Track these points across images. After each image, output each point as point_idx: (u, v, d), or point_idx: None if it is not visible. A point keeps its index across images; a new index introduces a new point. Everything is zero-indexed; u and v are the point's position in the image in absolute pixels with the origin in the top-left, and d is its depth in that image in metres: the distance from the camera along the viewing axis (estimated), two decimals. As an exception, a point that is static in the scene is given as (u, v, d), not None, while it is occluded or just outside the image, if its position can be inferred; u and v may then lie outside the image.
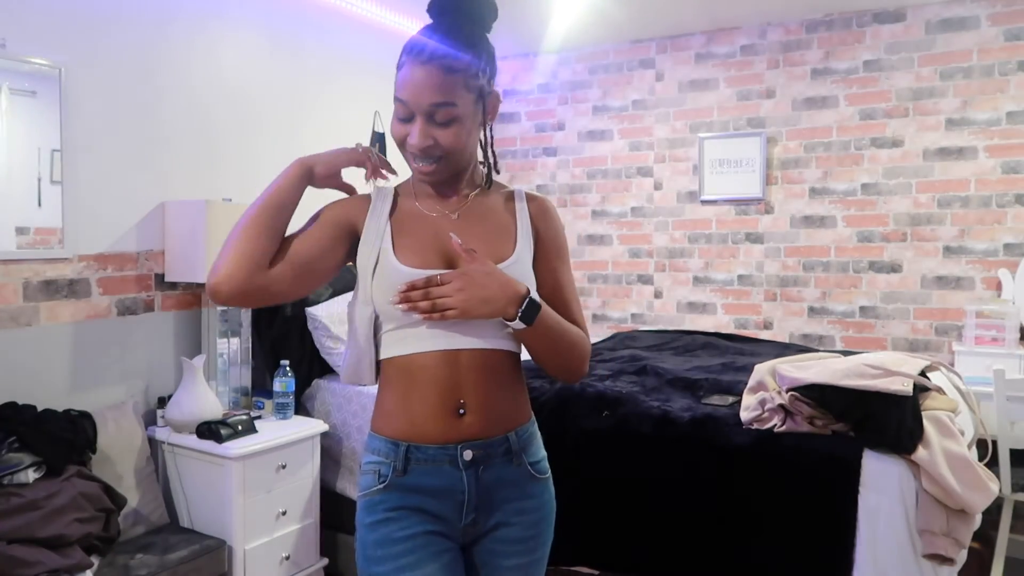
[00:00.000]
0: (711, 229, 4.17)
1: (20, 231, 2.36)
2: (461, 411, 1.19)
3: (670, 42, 4.24)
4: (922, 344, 3.72)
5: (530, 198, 1.35)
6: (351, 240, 1.25)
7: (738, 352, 3.35)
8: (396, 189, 1.32)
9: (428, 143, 1.18)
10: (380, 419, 1.23)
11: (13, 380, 2.32)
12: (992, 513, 2.54)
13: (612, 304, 4.45)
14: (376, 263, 1.20)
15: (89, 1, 2.52)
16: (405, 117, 1.19)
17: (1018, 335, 3.32)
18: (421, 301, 1.14)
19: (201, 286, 2.81)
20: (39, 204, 2.39)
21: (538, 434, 1.32)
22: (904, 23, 3.70)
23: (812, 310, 3.95)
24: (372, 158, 1.26)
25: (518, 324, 1.16)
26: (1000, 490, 2.16)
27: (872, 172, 3.79)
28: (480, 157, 1.33)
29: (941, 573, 2.00)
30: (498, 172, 1.35)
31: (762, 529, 2.17)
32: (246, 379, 2.89)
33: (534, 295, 1.18)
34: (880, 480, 2.05)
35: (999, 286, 3.51)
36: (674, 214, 4.26)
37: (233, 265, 1.14)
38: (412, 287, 1.15)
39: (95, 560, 2.08)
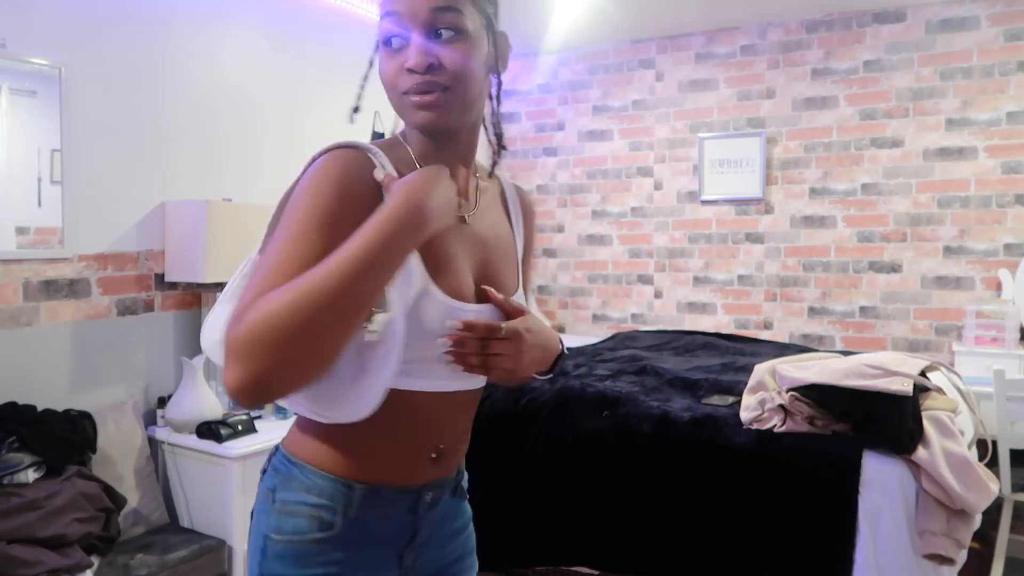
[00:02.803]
0: (711, 229, 4.17)
1: (20, 231, 2.36)
2: (434, 455, 1.01)
3: (670, 42, 4.24)
4: (922, 344, 3.72)
5: (521, 196, 1.15)
6: None
7: (738, 352, 3.35)
8: (383, 152, 0.97)
9: (431, 60, 0.90)
10: (325, 453, 0.96)
11: (13, 380, 2.32)
12: (992, 513, 2.54)
13: (612, 304, 4.45)
14: (410, 283, 0.90)
15: (90, 1, 2.52)
16: (394, 42, 0.92)
17: (1018, 335, 3.32)
18: (472, 353, 0.92)
19: (201, 286, 2.81)
20: (39, 204, 2.39)
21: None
22: (904, 23, 3.70)
23: (812, 310, 3.95)
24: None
25: (545, 377, 1.04)
26: (1000, 490, 2.16)
27: (872, 172, 3.79)
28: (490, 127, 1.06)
29: (941, 573, 2.00)
30: (505, 149, 1.07)
31: (762, 529, 2.17)
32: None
33: (563, 347, 1.06)
34: (880, 480, 2.05)
35: (999, 286, 3.51)
36: (674, 214, 4.26)
37: (298, 374, 0.78)
38: (470, 327, 0.91)
39: (95, 560, 2.08)
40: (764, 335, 4.03)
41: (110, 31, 2.58)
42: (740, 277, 4.11)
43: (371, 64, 0.98)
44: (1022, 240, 3.51)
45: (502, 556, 2.53)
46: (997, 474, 2.53)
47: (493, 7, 0.99)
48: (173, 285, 2.79)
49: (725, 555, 2.22)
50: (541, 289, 4.65)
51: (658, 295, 4.32)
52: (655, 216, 4.31)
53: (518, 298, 1.04)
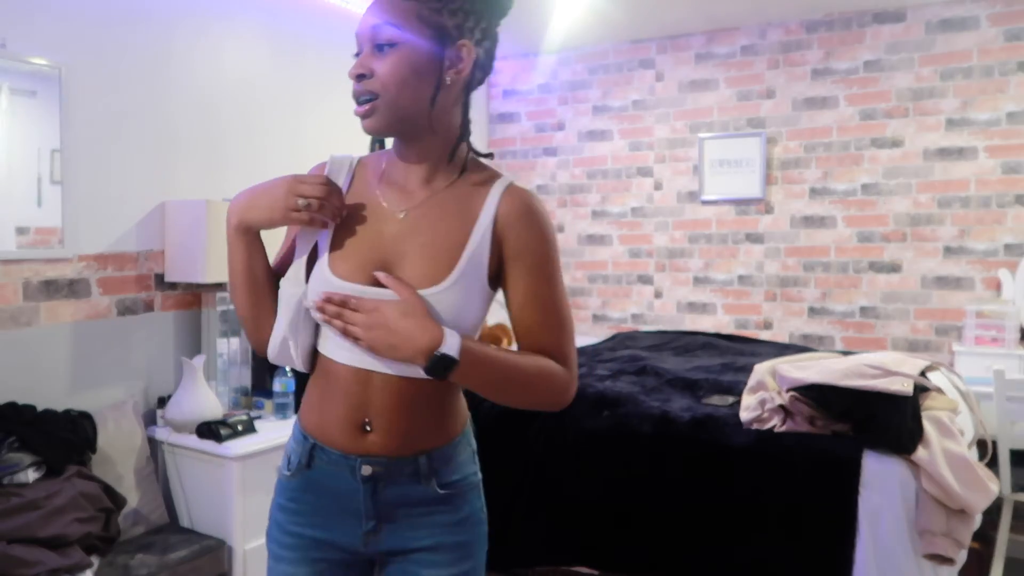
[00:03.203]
0: (711, 229, 4.17)
1: (20, 231, 2.36)
2: (367, 427, 1.10)
3: (670, 42, 4.24)
4: (922, 344, 3.72)
5: (507, 196, 1.11)
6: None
7: (738, 352, 3.35)
8: (361, 160, 1.18)
9: (360, 70, 1.05)
10: (303, 408, 1.18)
11: (13, 380, 2.32)
12: (992, 513, 2.54)
13: (612, 304, 4.45)
14: (311, 256, 1.12)
15: (90, 1, 2.52)
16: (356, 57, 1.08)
17: (1018, 335, 3.32)
18: (335, 317, 1.05)
19: (201, 286, 2.82)
20: (39, 204, 2.39)
21: (463, 452, 1.17)
22: (904, 23, 3.70)
23: (812, 310, 3.95)
24: (314, 206, 1.06)
25: (427, 374, 1.03)
26: (1000, 490, 2.16)
27: (872, 172, 3.79)
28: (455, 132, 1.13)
29: (941, 573, 2.00)
30: (477, 154, 1.16)
31: (762, 529, 2.17)
32: (246, 379, 2.89)
33: (451, 350, 1.01)
34: (880, 480, 2.06)
35: (999, 286, 3.51)
36: (674, 214, 4.26)
37: (255, 340, 1.18)
38: (329, 300, 1.06)
39: (95, 560, 2.08)
40: (764, 335, 4.03)
41: (110, 31, 2.58)
42: (740, 277, 4.11)
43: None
44: (1022, 240, 3.51)
45: (502, 556, 2.53)
46: (997, 474, 2.53)
47: (459, 19, 1.06)
48: (173, 285, 2.79)
49: (725, 555, 2.22)
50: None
51: (658, 295, 4.32)
52: (655, 216, 4.31)
53: (432, 292, 1.06)
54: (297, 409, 1.43)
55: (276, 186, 1.08)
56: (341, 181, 1.15)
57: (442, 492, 1.13)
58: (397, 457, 1.11)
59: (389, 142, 1.17)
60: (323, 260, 1.10)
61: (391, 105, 1.06)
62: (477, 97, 4.95)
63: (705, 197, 4.16)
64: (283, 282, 1.14)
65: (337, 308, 1.05)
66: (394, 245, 1.09)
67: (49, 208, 2.42)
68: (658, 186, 4.30)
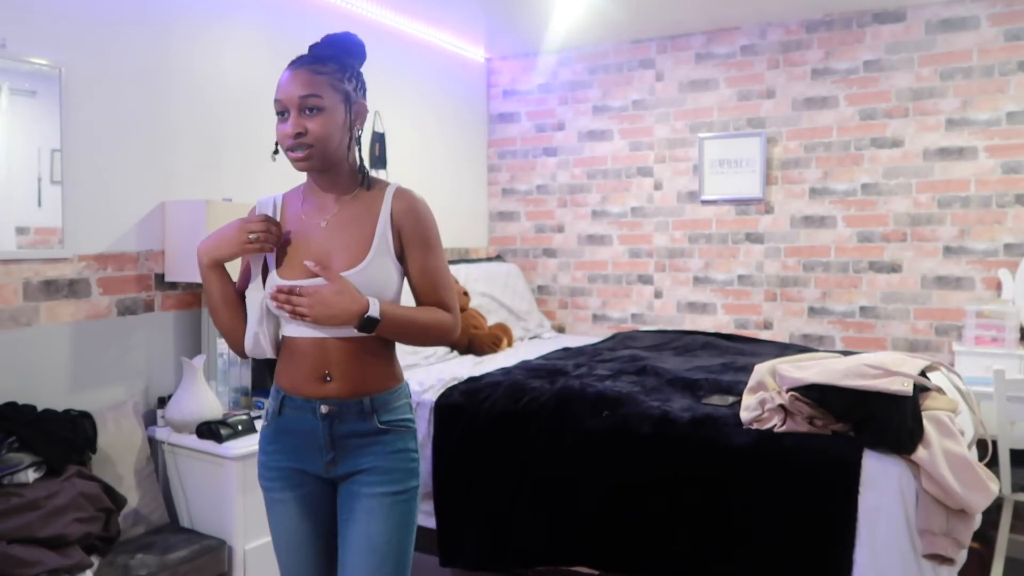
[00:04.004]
0: (711, 229, 4.17)
1: (20, 231, 2.36)
2: (328, 378, 1.50)
3: (670, 42, 4.24)
4: (922, 344, 3.72)
5: (397, 197, 1.54)
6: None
7: (738, 352, 3.35)
8: (284, 197, 1.61)
9: (299, 130, 1.45)
10: (276, 372, 1.58)
11: (13, 380, 2.32)
12: (992, 513, 2.54)
13: (612, 304, 4.45)
14: (263, 269, 1.55)
15: (90, 1, 2.52)
16: (283, 116, 1.47)
17: (1018, 335, 3.32)
18: (285, 304, 1.45)
19: (201, 286, 2.81)
20: (39, 204, 2.39)
21: (399, 401, 1.56)
22: (904, 23, 3.70)
23: (812, 310, 3.95)
24: (261, 239, 1.49)
25: (358, 333, 1.47)
26: (1000, 490, 2.16)
27: (872, 172, 3.79)
28: (356, 161, 1.57)
29: (941, 573, 2.00)
30: (364, 176, 1.57)
31: (762, 529, 2.17)
32: (246, 379, 2.89)
33: (373, 311, 1.44)
34: (880, 480, 2.06)
35: (999, 286, 3.51)
36: (674, 214, 4.26)
37: (235, 345, 1.59)
38: (279, 290, 1.47)
39: (95, 560, 2.08)
40: (764, 335, 4.03)
41: (110, 31, 2.58)
42: (740, 277, 4.11)
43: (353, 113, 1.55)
44: (1022, 240, 3.51)
45: (502, 556, 2.54)
46: (997, 474, 2.53)
47: (353, 84, 1.52)
48: (173, 285, 2.79)
49: (725, 555, 2.22)
50: (541, 289, 4.65)
51: (658, 295, 4.32)
52: (655, 216, 4.31)
53: (354, 271, 1.47)
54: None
55: (230, 228, 1.50)
56: (271, 214, 1.57)
57: (381, 427, 1.52)
58: (347, 399, 1.50)
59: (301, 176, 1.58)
60: (272, 270, 1.53)
61: (321, 153, 1.47)
62: (477, 97, 4.95)
63: (705, 197, 4.16)
64: (248, 292, 1.57)
65: (286, 296, 1.45)
66: (320, 246, 1.51)
67: (49, 208, 2.42)
68: (658, 186, 4.30)
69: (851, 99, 3.83)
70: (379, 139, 3.71)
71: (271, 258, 1.54)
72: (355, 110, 1.52)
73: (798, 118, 3.94)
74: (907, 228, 3.74)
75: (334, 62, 1.49)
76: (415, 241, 1.53)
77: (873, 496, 2.05)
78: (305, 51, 1.56)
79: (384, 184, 1.57)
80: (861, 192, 3.82)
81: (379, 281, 1.49)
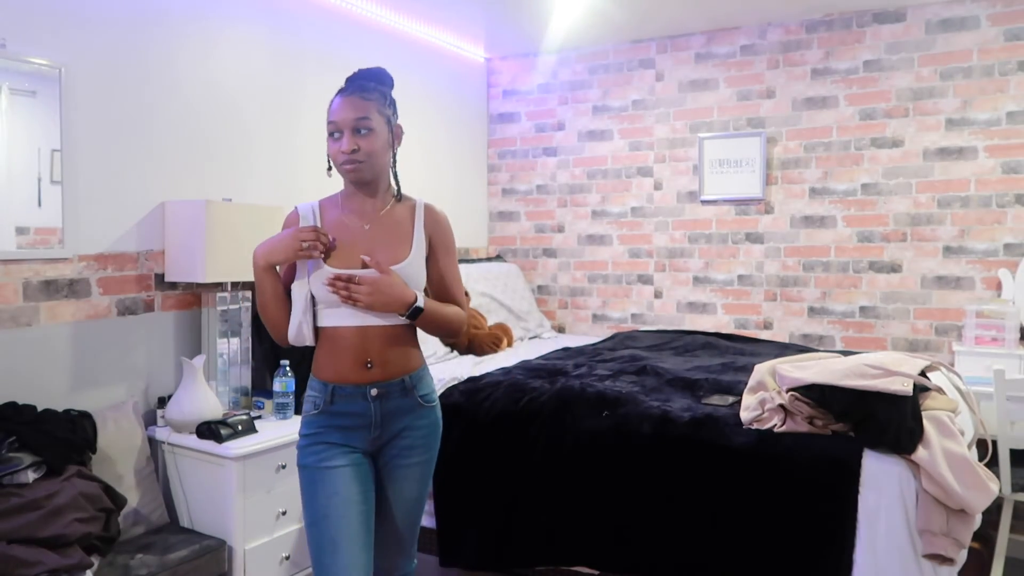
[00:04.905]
0: (711, 229, 4.17)
1: (20, 231, 2.36)
2: (369, 364, 1.73)
3: (670, 42, 4.24)
4: (922, 344, 3.72)
5: (427, 210, 1.84)
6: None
7: (738, 352, 3.35)
8: (320, 203, 1.82)
9: (355, 147, 1.71)
10: (316, 368, 1.79)
11: (13, 380, 2.32)
12: (992, 513, 2.54)
13: (612, 304, 4.45)
14: (312, 263, 1.74)
15: (90, 1, 2.52)
16: (336, 136, 1.72)
17: (1018, 335, 3.32)
18: (342, 290, 1.67)
19: (201, 286, 2.82)
20: (39, 204, 2.39)
21: (427, 376, 1.85)
22: (904, 23, 3.70)
23: (812, 310, 3.95)
24: (311, 246, 1.70)
25: (404, 320, 1.74)
26: (1000, 490, 2.16)
27: (872, 172, 3.79)
28: (392, 177, 1.83)
29: (941, 573, 2.00)
30: (399, 190, 1.84)
31: (762, 529, 2.17)
32: (246, 379, 2.89)
33: (420, 302, 1.72)
34: (880, 480, 2.06)
35: (999, 286, 3.51)
36: (674, 214, 4.26)
37: (280, 335, 1.80)
38: (338, 277, 1.69)
39: (95, 560, 2.08)
40: (764, 335, 4.03)
41: (110, 31, 2.58)
42: (740, 277, 4.11)
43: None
44: (1022, 240, 3.51)
45: (502, 556, 2.54)
46: (997, 474, 2.53)
47: (391, 109, 1.79)
48: (173, 285, 2.79)
49: (725, 555, 2.22)
50: (541, 289, 4.65)
51: (658, 295, 4.32)
52: (655, 216, 4.31)
53: (400, 266, 1.73)
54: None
55: (285, 236, 1.72)
56: (312, 220, 1.80)
57: (420, 400, 1.80)
58: (390, 380, 1.76)
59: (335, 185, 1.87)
60: (321, 263, 1.74)
61: (370, 167, 1.74)
62: (477, 97, 4.94)
63: (705, 197, 4.16)
64: (294, 286, 1.78)
65: (344, 283, 1.68)
66: (366, 245, 1.76)
67: (49, 208, 2.42)
68: (658, 186, 4.30)
69: (851, 99, 3.83)
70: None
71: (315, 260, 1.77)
72: (395, 132, 1.80)
73: (798, 118, 3.94)
74: (907, 228, 3.74)
75: (376, 92, 1.75)
76: (440, 247, 1.84)
77: (873, 496, 2.05)
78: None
79: (410, 199, 1.85)
80: (861, 192, 3.82)
81: (416, 277, 1.77)
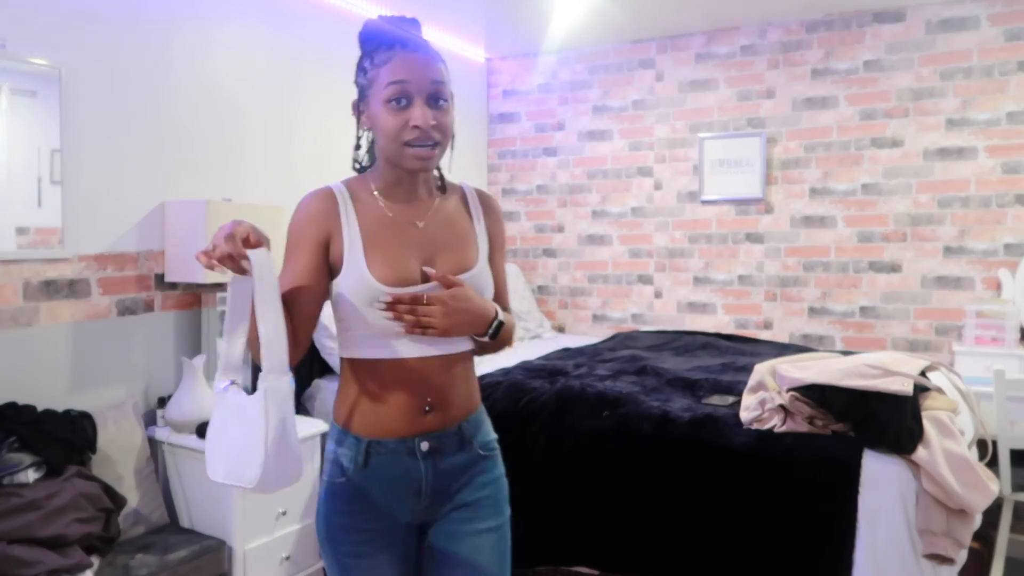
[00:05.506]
0: (711, 229, 4.17)
1: (20, 231, 2.36)
2: (427, 408, 1.28)
3: (670, 42, 4.24)
4: (922, 344, 3.72)
5: (481, 197, 1.42)
6: (327, 251, 1.27)
7: (738, 352, 3.35)
8: (348, 186, 1.32)
9: (433, 122, 1.22)
10: (344, 413, 1.30)
11: (13, 380, 2.32)
12: (992, 513, 2.53)
13: (612, 304, 4.45)
14: (344, 270, 1.25)
15: (89, 1, 2.52)
16: (401, 103, 1.22)
17: (1018, 335, 3.32)
18: (407, 315, 1.22)
19: (201, 286, 2.82)
20: (39, 204, 2.39)
21: (486, 418, 1.40)
22: (904, 23, 3.70)
23: (812, 310, 3.95)
24: (219, 257, 1.11)
25: (486, 339, 1.31)
26: (1000, 490, 2.16)
27: (872, 172, 3.79)
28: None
29: (941, 573, 2.00)
30: (442, 176, 1.41)
31: (762, 529, 2.17)
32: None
33: (501, 316, 1.31)
34: (880, 480, 2.06)
35: (999, 286, 3.51)
36: (674, 214, 4.26)
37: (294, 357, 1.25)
38: (399, 301, 1.22)
39: (95, 560, 2.08)
40: (764, 335, 4.03)
41: (110, 31, 2.58)
42: (740, 277, 4.11)
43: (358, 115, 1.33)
44: (1022, 240, 3.51)
45: (502, 556, 2.53)
46: (997, 474, 2.53)
47: (449, 77, 1.30)
48: (173, 285, 2.79)
49: (725, 555, 2.22)
50: (541, 289, 4.65)
51: (658, 295, 4.32)
52: (655, 216, 4.31)
53: (470, 275, 1.30)
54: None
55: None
56: (350, 204, 1.29)
57: (483, 453, 1.35)
58: (445, 429, 1.29)
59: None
60: (362, 272, 1.24)
61: (444, 150, 1.28)
62: (478, 97, 4.95)
63: (705, 197, 4.16)
64: (336, 302, 1.28)
65: (409, 306, 1.22)
66: (424, 249, 1.29)
67: (49, 208, 2.41)
68: (658, 186, 4.30)
69: (851, 99, 3.82)
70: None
71: (355, 258, 1.25)
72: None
73: (798, 118, 3.94)
74: (907, 228, 3.74)
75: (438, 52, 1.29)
76: (497, 245, 1.42)
77: (873, 496, 2.05)
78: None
79: (454, 185, 1.42)
80: (861, 192, 3.82)
81: (486, 286, 1.34)
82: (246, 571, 2.44)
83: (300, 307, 1.24)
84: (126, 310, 2.64)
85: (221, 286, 2.78)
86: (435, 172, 1.37)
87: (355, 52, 1.32)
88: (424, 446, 1.27)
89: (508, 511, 1.40)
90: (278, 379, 1.16)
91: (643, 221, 4.34)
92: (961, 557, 2.00)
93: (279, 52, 3.26)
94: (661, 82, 4.27)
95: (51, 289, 2.42)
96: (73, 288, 2.48)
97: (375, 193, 1.31)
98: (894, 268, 3.76)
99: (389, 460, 1.27)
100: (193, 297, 2.85)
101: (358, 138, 1.35)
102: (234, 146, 3.05)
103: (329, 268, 1.27)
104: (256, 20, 3.14)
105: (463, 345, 1.32)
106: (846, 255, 3.86)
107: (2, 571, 1.86)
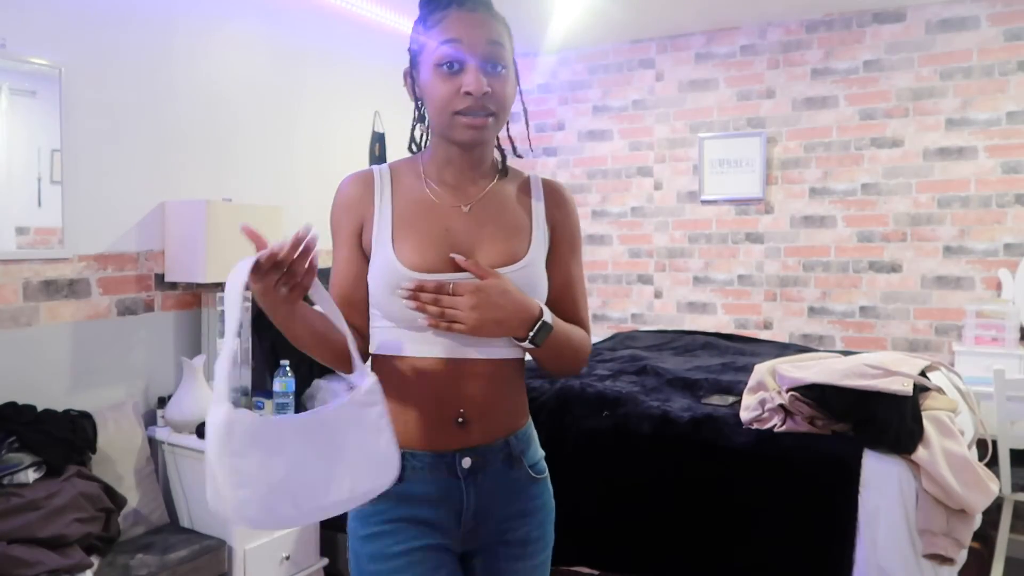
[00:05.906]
0: (711, 229, 4.17)
1: (20, 231, 2.36)
2: (460, 420, 1.11)
3: (670, 42, 4.24)
4: (922, 344, 3.72)
5: (547, 186, 1.24)
6: (362, 238, 1.18)
7: (738, 352, 3.35)
8: (392, 168, 1.21)
9: (488, 90, 1.08)
10: None
11: (13, 380, 2.32)
12: (992, 513, 2.54)
13: (612, 304, 4.45)
14: (373, 254, 1.13)
15: (90, 1, 2.52)
16: (453, 68, 1.08)
17: (1018, 335, 3.32)
18: (431, 306, 1.06)
19: (201, 286, 2.82)
20: (39, 204, 2.39)
21: (535, 434, 1.25)
22: (904, 23, 3.70)
23: (812, 310, 3.95)
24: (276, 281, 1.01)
25: (527, 345, 1.11)
26: (1000, 490, 2.16)
27: (872, 172, 3.79)
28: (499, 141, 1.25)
29: (941, 573, 2.00)
30: (519, 156, 1.27)
31: (762, 529, 2.17)
32: (246, 379, 2.89)
33: (547, 317, 1.11)
34: (880, 480, 2.05)
35: (999, 286, 3.51)
36: (674, 214, 4.26)
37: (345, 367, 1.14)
38: (421, 288, 1.07)
39: (95, 560, 2.08)
40: (764, 335, 4.03)
41: (110, 31, 2.58)
42: (740, 277, 4.11)
43: (417, 102, 1.20)
44: (1022, 240, 3.51)
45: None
46: (997, 474, 2.53)
47: (512, 43, 1.17)
48: (173, 285, 2.79)
49: (725, 555, 2.22)
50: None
51: (658, 295, 4.32)
52: (655, 216, 4.31)
53: (515, 269, 1.13)
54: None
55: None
56: (388, 184, 1.18)
57: (534, 475, 1.20)
58: (490, 443, 1.14)
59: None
60: (387, 253, 1.11)
61: (500, 125, 1.16)
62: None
63: (705, 197, 4.16)
64: (374, 296, 1.15)
65: (433, 295, 1.07)
66: (466, 235, 1.14)
67: (49, 208, 2.42)
68: (658, 186, 4.30)
69: (851, 99, 3.82)
70: (379, 139, 3.71)
71: (383, 240, 1.13)
72: (518, 73, 1.19)
73: (798, 118, 3.94)
74: (907, 228, 3.74)
75: (498, 13, 1.15)
76: (565, 243, 1.22)
77: (873, 496, 2.05)
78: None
79: (519, 173, 1.26)
80: (861, 192, 3.82)
81: (537, 284, 1.16)
82: (246, 571, 2.44)
83: (354, 298, 1.16)
84: (126, 310, 2.64)
85: (221, 286, 2.78)
86: (496, 154, 1.23)
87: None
88: (466, 462, 1.12)
89: (552, 542, 1.29)
90: (370, 374, 1.06)
91: (643, 221, 4.34)
92: (961, 557, 2.00)
93: (279, 52, 3.26)
94: (661, 82, 4.27)
95: (51, 289, 2.42)
96: (73, 288, 2.48)
97: (422, 174, 1.18)
98: (894, 268, 3.76)
99: (426, 477, 1.11)
100: (193, 297, 2.85)
101: (414, 118, 1.21)
102: (234, 146, 3.05)
103: (368, 256, 1.15)
104: (256, 20, 3.14)
105: (509, 350, 1.14)
106: (846, 255, 3.86)
107: (2, 571, 1.86)
